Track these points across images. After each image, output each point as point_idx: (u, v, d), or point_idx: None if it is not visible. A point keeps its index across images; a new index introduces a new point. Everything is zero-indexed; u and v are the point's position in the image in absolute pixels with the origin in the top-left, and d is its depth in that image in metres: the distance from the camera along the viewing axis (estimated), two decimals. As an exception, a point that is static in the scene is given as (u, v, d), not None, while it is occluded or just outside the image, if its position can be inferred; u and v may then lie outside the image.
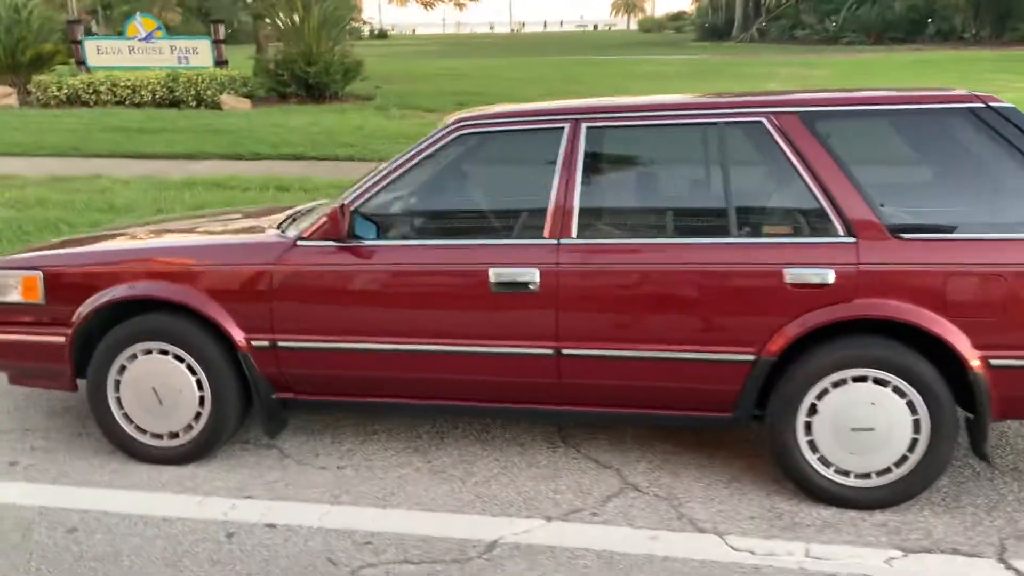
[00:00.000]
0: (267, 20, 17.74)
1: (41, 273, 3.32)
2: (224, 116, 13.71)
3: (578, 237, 2.99)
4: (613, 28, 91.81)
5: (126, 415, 3.33)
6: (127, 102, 15.22)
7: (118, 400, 3.32)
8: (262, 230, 3.45)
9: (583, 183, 3.01)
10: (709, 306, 2.90)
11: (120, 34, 16.99)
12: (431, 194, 3.25)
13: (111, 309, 3.26)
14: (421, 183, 3.21)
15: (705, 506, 2.97)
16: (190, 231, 3.74)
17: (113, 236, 3.76)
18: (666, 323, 2.93)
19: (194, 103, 15.14)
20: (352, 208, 3.10)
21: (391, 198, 3.22)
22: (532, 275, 2.96)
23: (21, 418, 3.80)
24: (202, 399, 3.26)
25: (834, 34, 34.87)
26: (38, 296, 3.32)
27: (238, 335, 3.18)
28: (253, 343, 3.19)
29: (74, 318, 3.27)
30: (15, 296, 3.36)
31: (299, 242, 3.17)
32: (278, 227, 3.42)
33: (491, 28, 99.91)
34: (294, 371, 3.22)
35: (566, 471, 3.23)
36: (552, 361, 3.01)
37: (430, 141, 3.17)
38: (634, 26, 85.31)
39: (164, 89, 15.27)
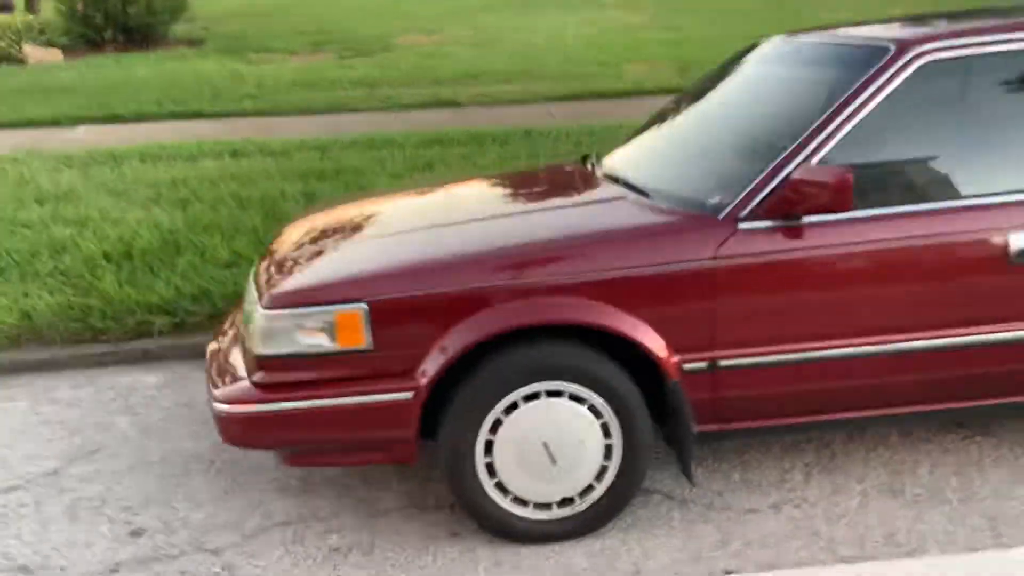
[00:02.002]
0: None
1: (366, 305, 2.26)
2: (43, 71, 11.31)
3: None
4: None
5: (499, 484, 2.39)
6: None
7: (489, 467, 2.37)
8: (632, 205, 2.58)
9: None
10: None
11: None
12: (897, 145, 2.51)
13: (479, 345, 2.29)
14: (878, 132, 2.45)
15: None
16: (524, 215, 2.83)
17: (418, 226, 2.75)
18: None
19: (-16, 57, 12.48)
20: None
21: (844, 154, 2.44)
22: None
23: (261, 506, 2.69)
24: (608, 449, 2.40)
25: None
26: (361, 339, 2.26)
27: (669, 358, 2.33)
28: (685, 366, 2.36)
29: (425, 365, 2.26)
30: (321, 341, 2.27)
31: (741, 224, 2.35)
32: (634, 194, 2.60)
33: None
34: (735, 395, 2.43)
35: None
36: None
37: (881, 76, 2.43)
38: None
39: (-57, 42, 12.46)
